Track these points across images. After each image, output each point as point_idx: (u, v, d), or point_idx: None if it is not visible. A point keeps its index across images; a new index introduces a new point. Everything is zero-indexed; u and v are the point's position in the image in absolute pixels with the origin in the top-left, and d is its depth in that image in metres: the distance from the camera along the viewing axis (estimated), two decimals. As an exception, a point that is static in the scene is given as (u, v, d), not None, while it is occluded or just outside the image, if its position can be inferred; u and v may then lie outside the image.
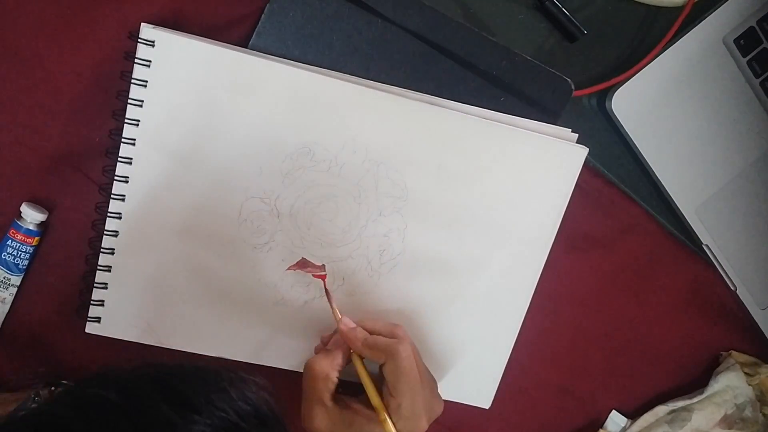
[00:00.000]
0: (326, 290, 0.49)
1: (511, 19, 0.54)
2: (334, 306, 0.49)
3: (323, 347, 0.50)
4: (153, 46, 0.45)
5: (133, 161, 0.47)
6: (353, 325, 0.49)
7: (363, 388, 0.48)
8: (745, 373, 0.64)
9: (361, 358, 0.48)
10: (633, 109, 0.56)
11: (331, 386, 0.47)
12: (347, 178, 0.50)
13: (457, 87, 0.51)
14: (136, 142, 0.46)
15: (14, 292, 0.48)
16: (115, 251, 0.48)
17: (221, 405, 0.32)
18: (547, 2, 0.53)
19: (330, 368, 0.47)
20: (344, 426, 0.46)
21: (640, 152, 0.57)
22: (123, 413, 0.31)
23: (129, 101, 0.46)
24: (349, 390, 0.49)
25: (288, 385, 0.54)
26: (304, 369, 0.47)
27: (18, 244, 0.47)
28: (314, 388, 0.46)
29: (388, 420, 0.45)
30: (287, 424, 0.37)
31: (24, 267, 0.48)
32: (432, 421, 0.48)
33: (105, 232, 0.47)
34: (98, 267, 0.48)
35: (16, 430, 0.30)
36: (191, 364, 0.36)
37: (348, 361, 0.48)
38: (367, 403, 0.47)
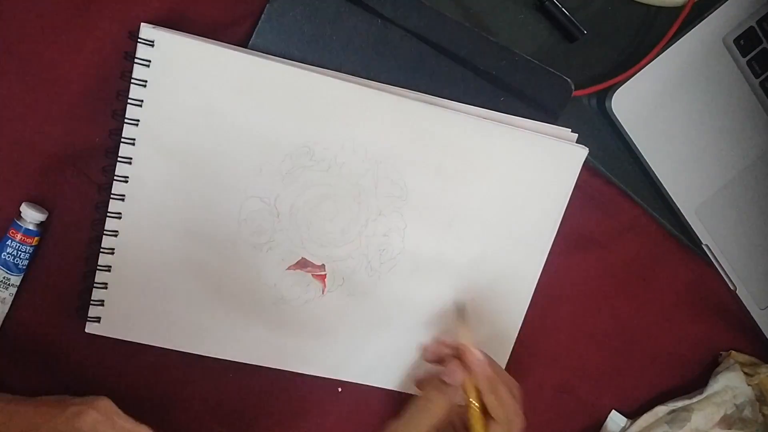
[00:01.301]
0: (462, 309, 0.46)
1: (511, 19, 0.54)
2: (468, 330, 0.46)
3: (437, 376, 0.47)
4: (153, 46, 0.45)
5: (133, 161, 0.47)
6: (483, 358, 0.45)
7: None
8: (745, 373, 0.64)
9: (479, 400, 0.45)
10: (633, 109, 0.56)
11: (438, 423, 0.45)
12: (347, 177, 0.50)
13: (457, 87, 0.51)
14: (135, 141, 0.46)
15: (14, 292, 0.48)
16: (115, 251, 0.48)
17: None
18: (547, 2, 0.53)
19: (445, 409, 0.44)
20: None
21: (640, 152, 0.57)
22: None
23: (129, 101, 0.46)
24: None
25: (286, 386, 0.55)
26: (424, 400, 0.45)
27: (18, 244, 0.47)
28: (422, 421, 0.45)
29: None
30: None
31: (24, 267, 0.48)
32: None
33: (105, 232, 0.47)
34: (98, 267, 0.48)
35: None
36: None
37: None
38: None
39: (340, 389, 0.56)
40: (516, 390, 0.47)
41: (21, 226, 0.47)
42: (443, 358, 0.48)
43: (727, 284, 0.62)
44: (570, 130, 0.53)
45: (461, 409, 0.47)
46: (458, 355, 0.47)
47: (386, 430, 0.46)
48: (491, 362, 0.46)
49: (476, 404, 0.45)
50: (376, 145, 0.50)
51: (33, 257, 0.48)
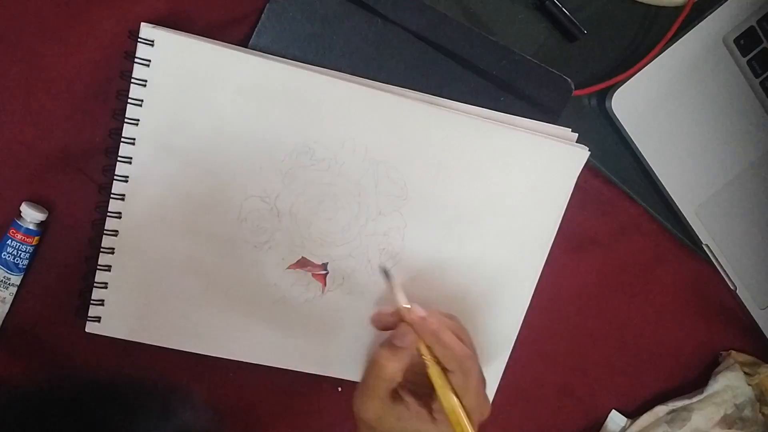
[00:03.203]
0: (386, 271, 0.46)
1: (511, 19, 0.54)
2: (398, 290, 0.46)
3: (389, 339, 0.46)
4: (153, 45, 0.45)
5: (132, 161, 0.47)
6: (424, 313, 0.45)
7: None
8: (745, 373, 0.64)
9: (435, 358, 0.44)
10: (633, 109, 0.56)
11: (393, 386, 0.45)
12: (347, 177, 0.50)
13: (457, 87, 0.51)
14: (135, 141, 0.46)
15: (14, 292, 0.48)
16: (115, 251, 0.48)
17: (143, 426, 0.31)
18: (547, 2, 0.53)
19: (398, 370, 0.44)
20: (393, 419, 0.45)
21: (640, 152, 0.57)
22: None
23: (129, 101, 0.46)
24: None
25: (287, 385, 0.55)
26: (371, 363, 0.45)
27: (18, 244, 0.47)
28: (376, 385, 0.44)
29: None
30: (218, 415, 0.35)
31: (24, 267, 0.48)
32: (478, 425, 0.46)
33: (105, 232, 0.47)
34: (98, 267, 0.48)
35: None
36: (111, 381, 0.34)
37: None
38: (418, 396, 0.45)
39: (340, 388, 0.56)
40: (464, 334, 0.46)
41: (21, 226, 0.47)
42: (393, 324, 0.47)
43: (727, 284, 0.62)
44: (570, 129, 0.53)
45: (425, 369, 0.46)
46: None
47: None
48: (433, 313, 0.45)
49: (431, 359, 0.44)
50: (376, 144, 0.50)
51: (33, 257, 0.48)
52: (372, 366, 0.45)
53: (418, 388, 0.46)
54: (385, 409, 0.45)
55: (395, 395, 0.45)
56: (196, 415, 0.34)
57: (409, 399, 0.45)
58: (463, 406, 0.43)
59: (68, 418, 0.30)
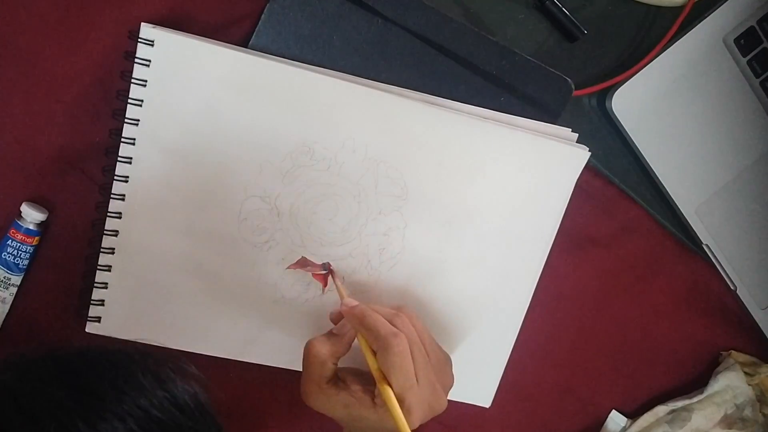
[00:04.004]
0: (331, 270, 0.48)
1: (511, 19, 0.54)
2: (340, 284, 0.48)
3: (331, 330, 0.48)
4: (153, 45, 0.45)
5: (133, 161, 0.47)
6: (355, 303, 0.47)
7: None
8: (745, 373, 0.64)
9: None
10: (633, 109, 0.56)
11: (328, 372, 0.46)
12: (347, 176, 0.50)
13: (457, 87, 0.51)
14: (135, 141, 0.46)
15: (14, 292, 0.48)
16: (115, 251, 0.48)
17: (132, 392, 0.31)
18: (547, 2, 0.53)
19: (327, 355, 0.45)
20: (341, 406, 0.46)
21: (640, 152, 0.57)
22: (11, 395, 0.30)
23: (129, 101, 0.46)
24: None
25: (287, 385, 0.55)
26: (304, 348, 0.46)
27: (18, 244, 0.47)
28: (310, 370, 0.46)
29: (398, 414, 0.43)
30: (219, 415, 0.35)
31: (24, 267, 0.48)
32: (432, 417, 0.47)
33: (105, 232, 0.47)
34: (98, 267, 0.48)
35: None
36: (102, 348, 0.34)
37: (349, 348, 0.47)
38: (366, 384, 0.46)
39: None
40: (415, 320, 0.47)
41: (21, 226, 0.47)
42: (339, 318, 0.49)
43: (727, 284, 0.62)
44: (570, 129, 0.53)
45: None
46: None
47: None
48: (360, 304, 0.47)
49: (364, 344, 0.46)
50: (376, 144, 0.50)
51: (33, 257, 0.48)
52: (304, 351, 0.46)
53: (370, 377, 0.46)
54: (330, 396, 0.46)
55: (342, 385, 0.46)
56: (190, 383, 0.34)
57: (355, 387, 0.46)
58: (391, 387, 0.43)
59: (55, 378, 0.30)
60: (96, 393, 0.30)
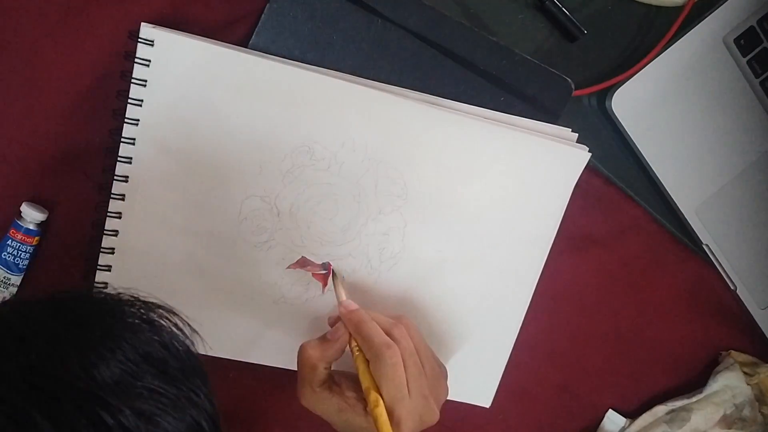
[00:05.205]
0: (332, 271, 0.48)
1: (511, 19, 0.54)
2: (339, 286, 0.48)
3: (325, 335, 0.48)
4: (153, 45, 0.45)
5: (132, 161, 0.47)
6: (354, 307, 0.47)
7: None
8: (745, 373, 0.64)
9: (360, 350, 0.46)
10: (633, 109, 0.56)
11: (320, 376, 0.46)
12: (347, 176, 0.50)
13: (457, 87, 0.51)
14: (135, 141, 0.46)
15: (14, 292, 0.48)
16: (115, 251, 0.48)
17: (121, 329, 0.32)
18: (547, 2, 0.53)
19: (318, 359, 0.46)
20: (333, 410, 0.46)
21: (640, 152, 0.57)
22: (7, 324, 0.31)
23: (129, 101, 0.46)
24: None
25: (288, 383, 0.54)
26: (298, 351, 0.47)
27: (18, 244, 0.47)
28: (303, 373, 0.46)
29: (385, 426, 0.43)
30: (204, 364, 0.36)
31: (24, 267, 0.48)
32: (422, 429, 0.46)
33: (105, 232, 0.47)
34: (98, 266, 0.48)
35: None
36: (96, 293, 0.35)
37: (342, 353, 0.47)
38: (360, 391, 0.46)
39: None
40: (414, 332, 0.47)
41: (21, 226, 0.47)
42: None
43: (727, 284, 0.62)
44: (570, 130, 0.53)
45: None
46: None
47: None
48: (359, 309, 0.47)
49: (357, 350, 0.46)
50: (376, 144, 0.50)
51: (33, 257, 0.48)
52: (298, 354, 0.47)
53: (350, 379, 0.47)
54: (323, 399, 0.46)
55: (335, 389, 0.47)
56: (177, 327, 0.35)
57: (349, 393, 0.46)
58: (382, 397, 0.43)
59: (49, 313, 0.31)
60: (87, 326, 0.32)
